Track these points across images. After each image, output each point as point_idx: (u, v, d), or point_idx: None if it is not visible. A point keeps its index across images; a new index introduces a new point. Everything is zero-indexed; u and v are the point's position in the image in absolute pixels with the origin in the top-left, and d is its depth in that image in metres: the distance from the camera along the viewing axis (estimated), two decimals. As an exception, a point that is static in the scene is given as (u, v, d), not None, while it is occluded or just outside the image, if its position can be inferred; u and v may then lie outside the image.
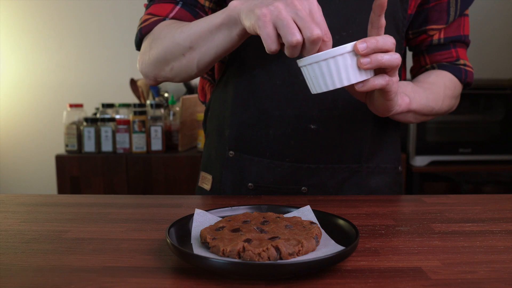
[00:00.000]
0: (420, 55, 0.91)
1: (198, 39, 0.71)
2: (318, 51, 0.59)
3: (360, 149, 0.83)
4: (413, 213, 0.71)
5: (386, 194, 0.86)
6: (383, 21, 0.60)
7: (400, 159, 0.91)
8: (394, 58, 0.59)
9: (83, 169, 2.05)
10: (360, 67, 0.58)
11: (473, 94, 2.29)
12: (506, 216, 0.68)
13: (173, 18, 0.81)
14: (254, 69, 0.80)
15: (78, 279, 0.46)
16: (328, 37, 0.59)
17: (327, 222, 0.57)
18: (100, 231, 0.61)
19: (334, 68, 0.57)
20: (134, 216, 0.68)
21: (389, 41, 0.58)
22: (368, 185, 0.85)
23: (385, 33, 0.78)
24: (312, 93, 0.62)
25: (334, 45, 0.76)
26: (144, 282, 0.45)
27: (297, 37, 0.57)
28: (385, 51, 0.58)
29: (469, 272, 0.47)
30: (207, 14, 0.83)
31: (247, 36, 0.68)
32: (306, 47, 0.58)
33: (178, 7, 0.81)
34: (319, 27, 0.57)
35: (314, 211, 0.59)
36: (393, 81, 0.61)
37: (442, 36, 0.87)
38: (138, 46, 0.85)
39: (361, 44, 0.57)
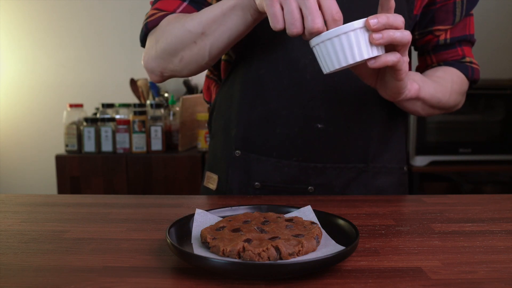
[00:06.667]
0: (426, 54, 0.92)
1: (211, 23, 0.72)
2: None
3: (367, 149, 0.83)
4: (413, 213, 0.71)
5: (391, 194, 0.86)
6: (392, 4, 0.62)
7: (405, 160, 0.91)
8: (405, 35, 0.60)
9: (83, 169, 2.05)
10: (372, 43, 0.59)
11: (473, 94, 2.26)
12: (506, 216, 0.68)
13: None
14: (260, 68, 0.81)
15: (78, 279, 0.46)
16: (339, 17, 0.60)
17: (328, 222, 0.57)
18: (100, 231, 0.61)
19: (347, 44, 0.59)
20: (134, 216, 0.68)
21: (399, 19, 0.60)
22: (374, 185, 0.85)
23: None
24: (325, 72, 0.63)
25: None
26: (144, 282, 0.45)
27: (297, 29, 0.60)
28: (395, 28, 0.60)
29: (469, 272, 0.47)
30: None
31: (261, 17, 0.69)
32: (305, 35, 0.61)
33: (185, 3, 0.82)
34: (321, 18, 0.59)
35: (314, 211, 0.59)
36: (404, 59, 0.63)
37: (448, 36, 0.88)
38: (143, 41, 0.84)
39: (373, 20, 0.58)
